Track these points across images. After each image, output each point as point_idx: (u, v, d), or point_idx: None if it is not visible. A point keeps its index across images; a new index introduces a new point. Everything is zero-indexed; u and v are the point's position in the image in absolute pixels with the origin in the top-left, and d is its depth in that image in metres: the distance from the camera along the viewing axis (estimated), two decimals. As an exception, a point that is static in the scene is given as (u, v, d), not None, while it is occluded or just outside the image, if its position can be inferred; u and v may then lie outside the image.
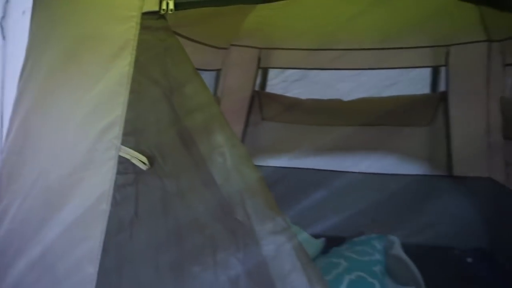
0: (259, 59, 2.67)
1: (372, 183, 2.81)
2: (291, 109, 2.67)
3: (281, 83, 2.77)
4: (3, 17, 0.97)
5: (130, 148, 0.90)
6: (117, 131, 0.88)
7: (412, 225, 2.46)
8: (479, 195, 2.71)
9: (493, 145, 2.54)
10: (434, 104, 2.59)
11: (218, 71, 2.50)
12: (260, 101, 2.76)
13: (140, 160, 0.89)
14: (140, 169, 0.89)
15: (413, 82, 2.62)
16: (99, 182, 0.89)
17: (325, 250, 2.19)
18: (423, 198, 2.70)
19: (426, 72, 2.63)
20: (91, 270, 0.88)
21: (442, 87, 2.58)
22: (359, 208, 2.57)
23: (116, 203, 0.90)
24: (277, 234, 0.86)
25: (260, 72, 2.76)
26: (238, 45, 2.52)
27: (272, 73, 2.80)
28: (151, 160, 0.90)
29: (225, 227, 0.89)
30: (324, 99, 2.70)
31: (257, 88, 2.78)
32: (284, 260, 0.86)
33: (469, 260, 2.54)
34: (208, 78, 2.40)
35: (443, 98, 2.57)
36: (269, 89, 2.80)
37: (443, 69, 2.54)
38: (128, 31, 0.89)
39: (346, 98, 2.62)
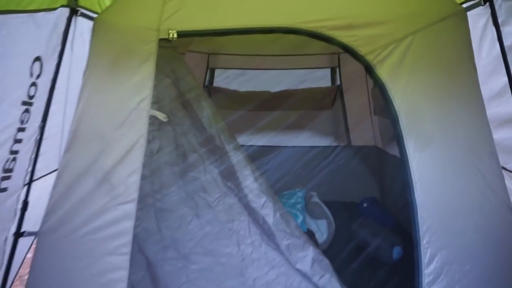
0: (208, 62, 3.43)
1: (294, 153, 3.58)
2: (232, 99, 3.39)
3: (224, 79, 3.52)
4: (72, 39, 1.65)
5: (154, 110, 1.67)
6: (147, 102, 1.64)
7: (323, 183, 3.26)
8: (369, 159, 3.60)
9: (373, 122, 3.56)
10: (333, 94, 3.55)
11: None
12: (209, 92, 3.48)
13: (162, 116, 1.67)
14: (162, 121, 1.67)
15: (318, 78, 3.56)
16: (138, 130, 1.64)
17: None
18: (331, 163, 3.45)
19: (327, 71, 3.60)
20: (136, 177, 1.63)
21: (338, 82, 3.57)
22: (288, 172, 3.26)
23: (148, 141, 1.66)
24: (236, 150, 1.70)
25: (208, 71, 3.52)
26: (193, 51, 3.26)
27: (217, 72, 3.57)
28: (167, 116, 1.69)
29: (209, 149, 1.71)
30: (257, 91, 3.48)
31: (206, 83, 3.53)
32: (241, 163, 1.71)
33: (365, 205, 3.32)
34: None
35: (339, 89, 3.55)
36: (216, 84, 3.55)
37: (337, 69, 3.53)
38: (151, 48, 1.65)
39: (273, 90, 3.45)
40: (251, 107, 3.29)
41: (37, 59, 1.40)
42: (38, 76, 1.43)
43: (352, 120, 3.60)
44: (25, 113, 1.40)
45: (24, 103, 1.38)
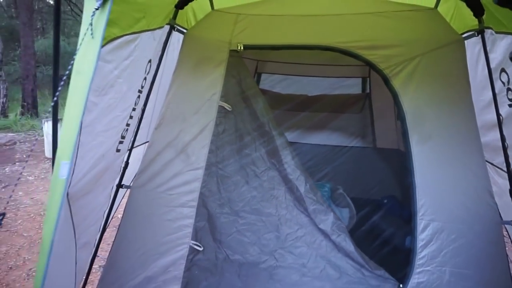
0: (256, 67, 4.02)
1: (324, 151, 3.99)
2: (275, 99, 3.92)
3: (269, 82, 4.07)
4: (167, 47, 2.30)
5: (222, 102, 2.27)
6: (218, 95, 2.23)
7: (349, 180, 3.74)
8: (392, 160, 3.92)
9: (397, 127, 3.97)
10: (363, 100, 4.02)
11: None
12: (256, 93, 4.04)
13: (227, 106, 2.27)
14: (227, 110, 2.27)
15: (350, 86, 4.04)
16: (209, 116, 2.23)
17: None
18: (357, 163, 3.91)
19: (358, 80, 4.07)
20: (205, 151, 2.20)
21: (368, 90, 4.04)
22: (317, 167, 3.58)
23: (216, 125, 2.25)
24: (280, 135, 2.27)
25: (256, 75, 4.10)
26: (245, 58, 3.83)
27: (263, 76, 4.14)
28: (231, 106, 2.28)
29: (259, 133, 2.29)
30: (296, 94, 4.01)
31: (254, 85, 4.10)
32: (283, 145, 2.26)
33: (385, 201, 3.70)
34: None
35: (368, 96, 4.02)
36: (262, 86, 4.10)
37: (368, 79, 4.00)
38: (224, 56, 2.25)
39: (310, 94, 3.97)
40: (291, 107, 3.74)
41: (149, 61, 2.03)
42: (148, 73, 2.07)
43: (378, 125, 4.03)
44: (137, 98, 2.03)
45: (138, 91, 2.01)
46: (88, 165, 1.61)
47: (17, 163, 5.96)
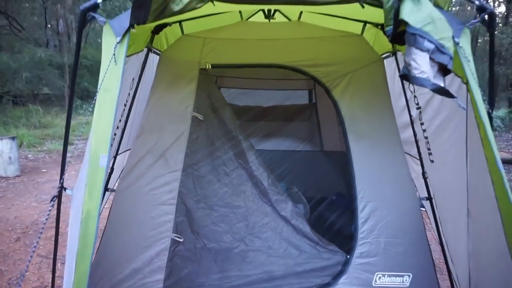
0: (216, 82, 4.44)
1: (278, 155, 4.40)
2: (234, 111, 4.30)
3: (227, 96, 4.49)
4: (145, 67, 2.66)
5: (195, 112, 2.67)
6: (191, 107, 2.64)
7: (301, 180, 4.23)
8: (338, 162, 4.37)
9: (340, 131, 4.57)
10: (310, 109, 4.61)
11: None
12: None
13: (200, 116, 2.67)
14: (199, 119, 2.67)
15: (299, 96, 4.61)
16: (185, 125, 2.62)
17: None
18: (307, 165, 4.39)
19: (305, 92, 4.66)
20: (182, 155, 2.59)
21: (314, 100, 4.63)
22: (272, 170, 4.16)
23: (190, 132, 2.64)
24: (245, 139, 2.72)
25: (216, 89, 4.51)
26: (205, 74, 4.26)
27: (222, 90, 4.56)
28: (203, 116, 2.69)
29: (227, 138, 2.72)
30: (252, 106, 4.49)
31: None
32: (248, 147, 2.71)
33: (334, 197, 4.21)
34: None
35: (315, 106, 4.62)
36: None
37: (313, 91, 4.60)
38: (195, 73, 2.67)
39: (265, 105, 4.47)
40: (248, 118, 4.06)
41: (133, 79, 2.39)
42: (131, 89, 2.43)
43: (324, 130, 4.60)
44: (123, 111, 2.37)
45: (124, 104, 2.36)
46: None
47: (-32, 184, 5.80)
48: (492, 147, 1.35)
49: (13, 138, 6.36)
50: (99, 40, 15.51)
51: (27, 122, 11.01)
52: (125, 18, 1.47)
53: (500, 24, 17.38)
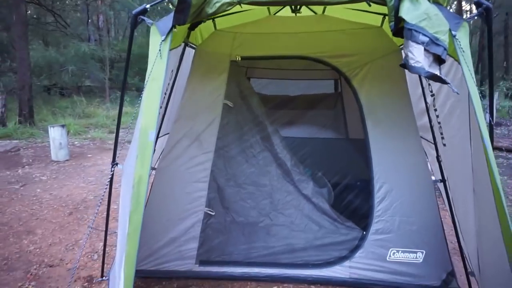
0: (246, 73, 4.73)
1: (304, 142, 4.61)
2: (262, 100, 4.56)
3: (257, 86, 4.76)
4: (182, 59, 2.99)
5: (226, 100, 2.97)
6: (222, 95, 2.94)
7: (326, 166, 4.44)
8: (362, 149, 4.72)
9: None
10: (336, 98, 4.78)
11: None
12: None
13: (230, 104, 2.97)
14: (230, 106, 2.97)
15: (325, 86, 4.80)
16: (216, 111, 2.92)
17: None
18: (332, 152, 4.55)
19: (331, 82, 4.84)
20: (214, 138, 2.90)
21: (339, 90, 4.81)
22: (298, 157, 4.39)
23: (222, 117, 2.95)
24: (271, 124, 2.99)
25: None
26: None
27: (252, 80, 4.85)
28: (233, 103, 2.98)
29: (255, 123, 3.01)
30: (279, 95, 4.74)
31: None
32: (274, 132, 2.99)
33: (358, 183, 4.21)
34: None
35: (340, 95, 4.79)
36: None
37: (339, 80, 4.77)
38: (226, 65, 2.96)
39: (292, 94, 4.71)
40: (276, 106, 4.38)
41: (172, 70, 2.72)
42: (171, 79, 2.76)
43: (350, 119, 4.75)
44: (163, 99, 2.72)
45: (164, 93, 2.70)
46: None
47: (26, 166, 6.48)
48: (482, 127, 1.54)
49: (63, 126, 7.00)
50: (141, 38, 16.26)
51: (73, 112, 11.85)
52: (168, 20, 1.78)
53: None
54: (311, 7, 3.15)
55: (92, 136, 9.48)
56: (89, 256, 3.33)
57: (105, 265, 2.96)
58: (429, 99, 2.69)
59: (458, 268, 2.80)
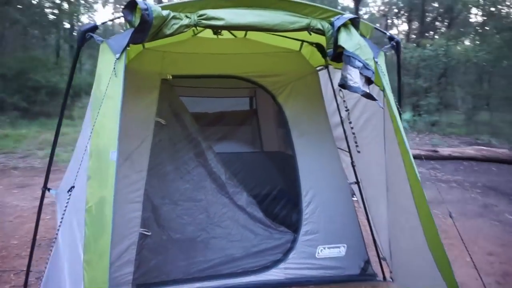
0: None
1: (229, 158, 4.78)
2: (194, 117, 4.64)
3: (188, 103, 4.72)
4: None
5: (158, 117, 2.97)
6: (154, 113, 2.93)
7: (245, 178, 4.65)
8: (276, 160, 4.99)
9: (278, 133, 5.13)
10: (251, 114, 5.08)
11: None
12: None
13: (162, 121, 2.98)
14: (162, 124, 2.98)
15: (241, 103, 5.07)
16: (148, 129, 2.91)
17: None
18: (250, 165, 4.85)
19: (247, 99, 5.15)
20: (147, 156, 2.87)
21: (254, 106, 5.13)
22: (232, 170, 4.48)
23: (154, 135, 2.93)
24: (204, 140, 3.09)
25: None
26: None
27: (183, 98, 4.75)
28: (165, 121, 3.00)
29: (188, 140, 3.07)
30: (199, 112, 4.82)
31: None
32: (207, 147, 3.09)
33: (275, 192, 4.63)
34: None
35: (255, 111, 5.11)
36: None
37: (254, 98, 5.10)
38: (157, 83, 2.98)
39: (211, 111, 4.84)
40: (203, 123, 4.27)
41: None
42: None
43: (264, 133, 5.09)
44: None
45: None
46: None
47: None
48: (402, 134, 1.94)
49: None
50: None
51: None
52: (121, 38, 1.78)
53: (403, 40, 19.91)
54: (233, 31, 3.37)
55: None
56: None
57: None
58: (344, 114, 3.15)
59: (372, 257, 3.27)
